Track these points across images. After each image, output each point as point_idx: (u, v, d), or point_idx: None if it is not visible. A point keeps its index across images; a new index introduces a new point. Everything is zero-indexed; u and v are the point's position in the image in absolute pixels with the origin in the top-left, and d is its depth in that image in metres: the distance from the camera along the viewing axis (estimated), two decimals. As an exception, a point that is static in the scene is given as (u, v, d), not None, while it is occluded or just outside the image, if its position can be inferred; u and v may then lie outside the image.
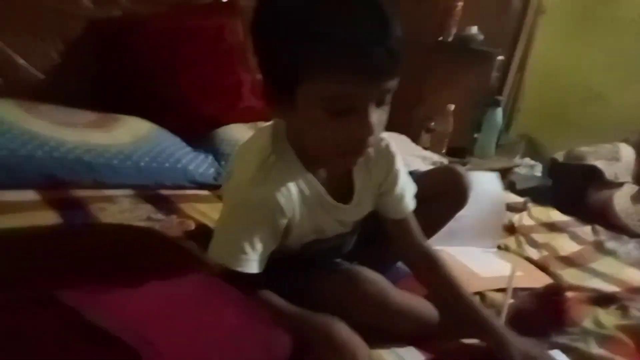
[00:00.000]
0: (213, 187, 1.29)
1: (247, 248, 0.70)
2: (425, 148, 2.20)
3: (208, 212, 1.14)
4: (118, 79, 1.47)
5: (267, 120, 1.69)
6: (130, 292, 0.59)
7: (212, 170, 1.36)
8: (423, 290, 0.88)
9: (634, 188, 2.28)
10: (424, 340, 0.80)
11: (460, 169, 1.00)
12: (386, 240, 0.90)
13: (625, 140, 2.48)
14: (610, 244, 1.46)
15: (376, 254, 0.94)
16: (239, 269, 0.70)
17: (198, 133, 1.45)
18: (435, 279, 0.84)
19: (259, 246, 0.71)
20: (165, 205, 1.12)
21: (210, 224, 1.05)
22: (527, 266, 1.22)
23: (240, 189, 0.73)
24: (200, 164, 1.34)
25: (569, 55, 2.86)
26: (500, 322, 0.82)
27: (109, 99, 1.43)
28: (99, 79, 1.47)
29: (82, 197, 1.05)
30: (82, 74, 1.46)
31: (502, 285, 1.06)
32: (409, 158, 1.90)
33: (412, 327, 0.79)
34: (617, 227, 1.98)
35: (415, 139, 2.21)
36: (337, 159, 0.71)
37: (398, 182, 0.85)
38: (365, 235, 0.95)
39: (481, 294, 1.01)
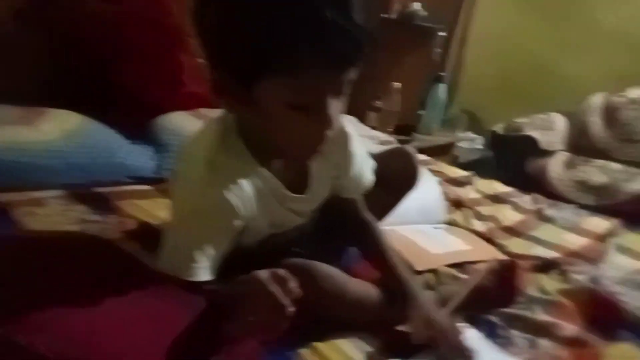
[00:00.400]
0: (154, 181, 1.22)
1: (198, 256, 0.67)
2: (373, 127, 2.21)
3: (150, 208, 1.07)
4: (45, 67, 1.35)
5: (210, 107, 1.65)
6: (68, 311, 0.54)
7: (152, 163, 1.28)
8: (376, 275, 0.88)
9: (566, 155, 2.42)
10: (381, 325, 0.80)
11: (409, 149, 1.01)
12: (340, 226, 0.90)
13: (559, 111, 2.61)
14: (549, 212, 1.54)
15: (331, 239, 0.93)
16: (189, 279, 0.67)
17: (135, 123, 1.37)
18: (366, 243, 0.89)
19: (210, 252, 0.68)
20: (101, 204, 1.04)
21: (153, 222, 0.99)
22: (475, 239, 1.26)
23: (188, 193, 0.70)
24: (139, 157, 1.26)
25: (510, 28, 2.91)
26: (417, 285, 0.85)
27: (35, 91, 1.31)
28: (23, 67, 1.34)
29: (5, 202, 0.95)
30: (3, 62, 1.32)
31: (453, 261, 1.09)
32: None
33: (369, 316, 0.79)
34: (552, 193, 2.09)
35: (362, 119, 2.21)
36: (295, 152, 0.70)
37: (353, 164, 0.83)
38: (321, 222, 0.93)
39: (434, 271, 1.03)
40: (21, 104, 1.21)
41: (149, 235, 0.90)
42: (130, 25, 1.41)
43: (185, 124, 1.42)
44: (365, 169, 0.87)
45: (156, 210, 1.06)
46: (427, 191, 1.33)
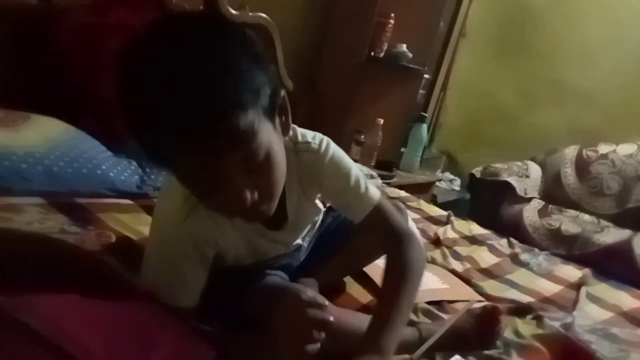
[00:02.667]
0: (136, 196, 1.20)
1: (177, 286, 0.70)
2: (355, 160, 2.24)
3: (130, 223, 1.05)
4: (30, 74, 1.32)
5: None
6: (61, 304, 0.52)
7: (135, 177, 1.26)
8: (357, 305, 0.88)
9: (540, 203, 2.49)
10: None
11: (401, 205, 1.01)
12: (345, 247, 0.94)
13: (532, 159, 2.71)
14: (524, 256, 1.57)
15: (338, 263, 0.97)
16: (173, 304, 0.68)
17: (120, 136, 1.35)
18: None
19: (190, 282, 0.71)
20: (81, 215, 1.01)
21: (133, 236, 0.97)
22: (453, 279, 1.27)
23: (163, 224, 0.72)
24: (122, 171, 1.24)
25: (485, 77, 3.08)
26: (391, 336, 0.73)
27: (19, 97, 1.28)
28: (7, 73, 1.32)
29: (-20, 206, 0.92)
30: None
31: (431, 298, 1.09)
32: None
33: (351, 345, 0.78)
34: (526, 239, 2.14)
35: (346, 151, 2.23)
36: (242, 217, 0.68)
37: (339, 176, 0.80)
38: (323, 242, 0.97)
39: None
40: (2, 107, 1.18)
41: (128, 249, 0.88)
42: (115, 36, 1.39)
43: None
44: (362, 180, 0.83)
45: (136, 225, 1.04)
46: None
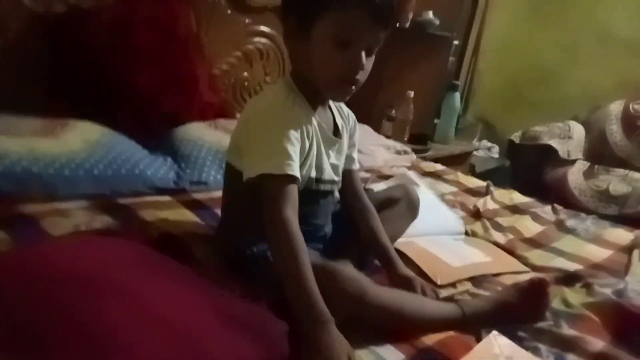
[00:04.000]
0: (173, 192, 1.23)
1: (290, 149, 0.79)
2: (388, 136, 2.20)
3: (171, 217, 1.08)
4: (65, 80, 1.37)
5: (227, 116, 1.66)
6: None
7: (171, 173, 1.29)
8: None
9: (586, 164, 2.39)
10: (404, 335, 0.79)
11: (409, 187, 1.18)
12: (359, 239, 0.98)
13: (575, 118, 2.59)
14: (570, 222, 1.51)
15: (353, 251, 0.99)
16: (287, 172, 0.77)
17: (154, 133, 1.38)
18: (364, 227, 1.00)
19: (297, 148, 0.81)
20: (124, 214, 1.06)
21: (174, 231, 1.00)
22: (496, 251, 1.24)
23: (273, 109, 0.84)
24: (159, 168, 1.27)
25: (521, 37, 2.92)
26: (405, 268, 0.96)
27: (56, 103, 1.33)
28: (44, 81, 1.37)
29: (32, 213, 0.97)
30: (25, 76, 1.35)
31: (474, 274, 1.07)
32: (372, 147, 1.89)
33: (391, 323, 0.80)
34: (573, 203, 2.07)
35: (377, 128, 2.21)
36: (334, 87, 0.85)
37: (356, 145, 1.06)
38: (342, 230, 1.02)
39: (454, 284, 1.02)
40: (41, 115, 1.22)
41: (171, 245, 0.91)
42: (143, 32, 1.41)
43: (203, 134, 1.44)
44: (356, 154, 1.06)
45: (177, 219, 1.07)
46: (434, 206, 1.39)
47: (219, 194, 1.06)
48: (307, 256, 0.73)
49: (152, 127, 1.40)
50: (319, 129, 0.90)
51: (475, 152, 2.88)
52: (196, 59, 1.54)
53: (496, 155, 3.14)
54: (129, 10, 1.43)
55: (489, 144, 3.18)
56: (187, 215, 1.12)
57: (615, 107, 2.39)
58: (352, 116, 1.04)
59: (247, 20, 1.84)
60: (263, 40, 1.90)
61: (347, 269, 0.77)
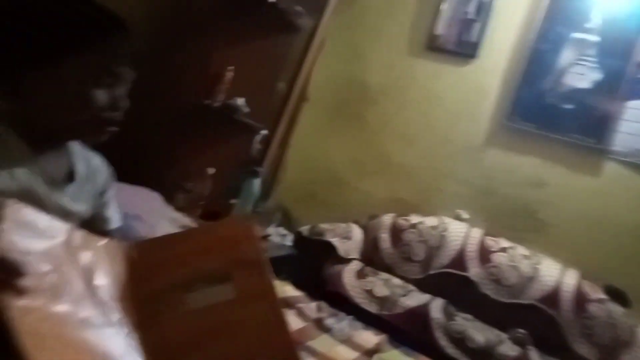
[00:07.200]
0: None
1: None
2: (179, 209, 2.10)
3: None
4: None
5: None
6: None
7: None
8: None
9: (359, 265, 2.63)
10: None
11: None
12: None
13: (357, 222, 2.89)
14: (329, 321, 1.59)
15: None
16: None
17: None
18: None
19: None
20: None
21: None
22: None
23: None
24: None
25: (322, 142, 3.27)
26: None
27: None
28: None
29: None
30: None
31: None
32: (154, 219, 1.76)
33: None
34: (346, 297, 2.22)
35: (169, 198, 2.09)
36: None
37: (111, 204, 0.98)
38: None
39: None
40: None
41: None
42: None
43: None
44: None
45: None
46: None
47: None
48: None
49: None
50: (40, 173, 0.81)
51: (270, 238, 2.94)
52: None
53: (290, 243, 3.26)
54: None
55: (284, 232, 3.30)
56: None
57: (388, 219, 2.74)
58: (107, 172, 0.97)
59: None
60: None
61: None
